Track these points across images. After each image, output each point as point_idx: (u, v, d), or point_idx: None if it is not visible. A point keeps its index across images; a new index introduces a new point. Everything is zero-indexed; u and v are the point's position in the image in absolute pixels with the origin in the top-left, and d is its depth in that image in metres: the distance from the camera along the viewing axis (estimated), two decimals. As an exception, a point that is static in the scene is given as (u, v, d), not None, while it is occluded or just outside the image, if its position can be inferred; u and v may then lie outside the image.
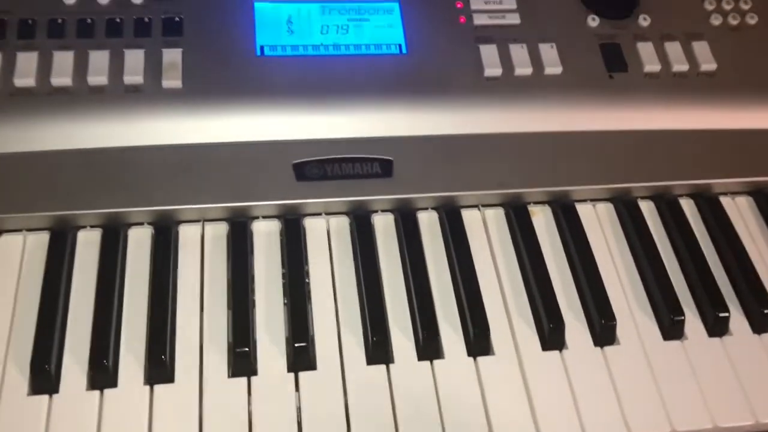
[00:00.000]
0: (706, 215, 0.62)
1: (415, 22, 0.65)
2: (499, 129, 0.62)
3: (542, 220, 0.60)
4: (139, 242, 0.55)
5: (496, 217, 0.60)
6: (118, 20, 0.60)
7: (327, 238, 0.58)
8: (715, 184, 0.63)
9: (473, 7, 0.66)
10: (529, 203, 0.61)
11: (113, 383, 0.49)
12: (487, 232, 0.60)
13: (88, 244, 0.55)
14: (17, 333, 0.50)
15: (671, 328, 0.55)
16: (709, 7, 0.70)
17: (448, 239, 0.58)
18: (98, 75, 0.58)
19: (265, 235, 0.57)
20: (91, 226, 0.55)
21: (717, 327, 0.56)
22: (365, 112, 0.61)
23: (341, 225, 0.58)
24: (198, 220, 0.57)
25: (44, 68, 0.58)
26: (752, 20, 0.69)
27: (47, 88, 0.57)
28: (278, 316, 0.53)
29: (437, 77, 0.63)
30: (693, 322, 0.56)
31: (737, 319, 0.56)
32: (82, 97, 0.57)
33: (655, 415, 0.51)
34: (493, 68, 0.63)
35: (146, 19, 0.61)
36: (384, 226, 0.59)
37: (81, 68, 0.58)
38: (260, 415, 0.48)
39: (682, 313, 0.55)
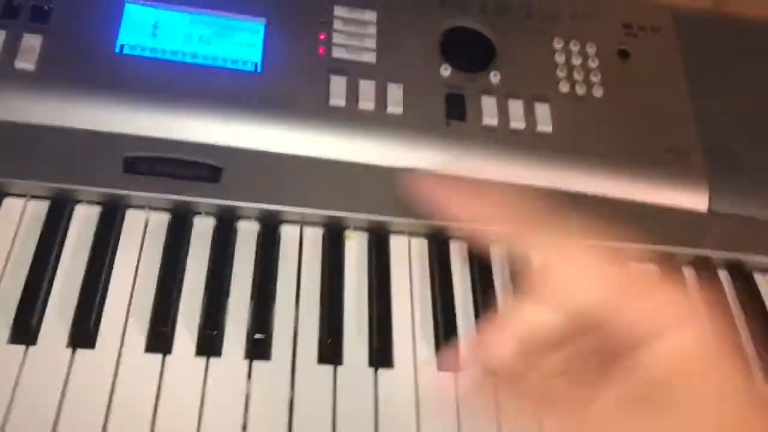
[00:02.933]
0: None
1: (276, 45, 0.69)
2: (333, 156, 0.66)
3: (354, 246, 0.64)
4: (-40, 208, 0.59)
5: (314, 235, 0.64)
6: (-12, 0, 0.64)
7: (143, 232, 0.61)
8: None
9: (335, 40, 0.71)
10: (348, 228, 0.65)
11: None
12: (301, 247, 0.63)
13: None
14: None
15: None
16: (561, 74, 0.74)
17: (261, 251, 0.62)
18: (-47, 47, 0.62)
19: (84, 219, 0.60)
20: None
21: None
22: (207, 120, 0.65)
23: (161, 221, 0.62)
24: (24, 195, 0.60)
25: None
26: (598, 93, 0.74)
27: None
28: (71, 294, 0.56)
29: (284, 98, 0.67)
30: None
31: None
32: (-66, 66, 0.61)
33: None
34: (338, 98, 0.67)
35: (15, 3, 0.65)
36: (203, 228, 0.62)
37: (-61, 38, 0.62)
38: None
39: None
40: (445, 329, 0.60)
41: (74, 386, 0.52)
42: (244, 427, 0.52)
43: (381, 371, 0.57)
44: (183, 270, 0.59)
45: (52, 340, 0.54)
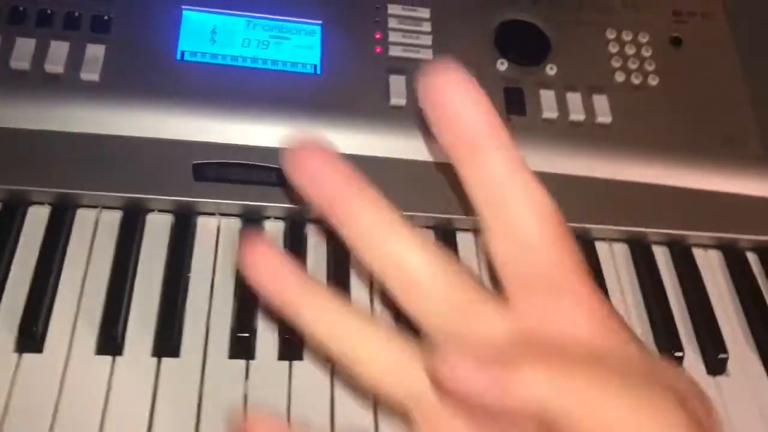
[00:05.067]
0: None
1: (333, 46, 0.69)
2: (396, 154, 0.66)
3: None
4: (36, 220, 0.59)
5: (382, 236, 0.64)
6: (49, 12, 0.64)
7: (216, 237, 0.61)
8: (594, 229, 0.67)
9: (391, 39, 0.70)
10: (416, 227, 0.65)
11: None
12: (370, 249, 0.64)
13: (-14, 217, 0.59)
14: None
15: None
16: (616, 64, 0.74)
17: (330, 252, 0.62)
18: (21, 60, 0.62)
19: (157, 227, 0.61)
20: (-7, 201, 0.59)
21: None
22: (272, 124, 0.65)
23: (233, 226, 0.62)
24: (96, 206, 0.61)
25: (-29, 49, 0.62)
26: (654, 81, 0.74)
27: (-30, 68, 0.61)
28: (153, 304, 0.57)
29: (346, 99, 0.67)
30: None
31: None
32: (3, 80, 0.61)
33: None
34: (399, 97, 0.67)
35: (76, 14, 0.65)
36: (274, 232, 0.63)
37: (6, 53, 0.62)
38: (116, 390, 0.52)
39: None
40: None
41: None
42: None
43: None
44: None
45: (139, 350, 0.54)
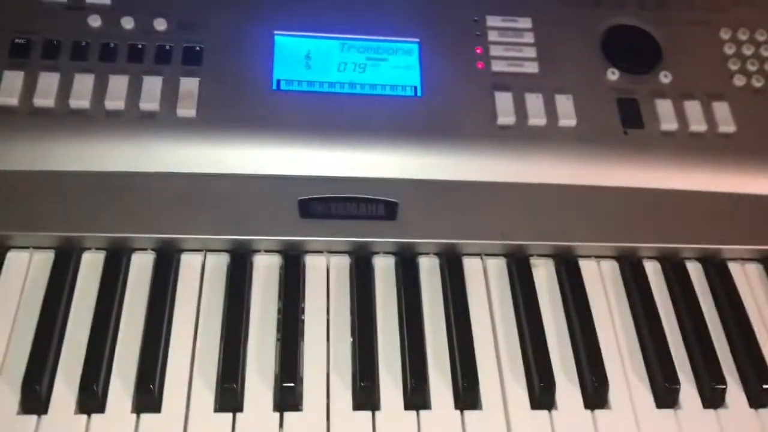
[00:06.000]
0: (713, 281, 0.61)
1: (432, 65, 0.65)
2: (508, 178, 0.62)
3: (544, 274, 0.60)
4: (141, 268, 0.56)
5: (498, 267, 0.60)
6: (140, 46, 0.62)
7: (326, 277, 0.58)
8: (724, 250, 0.62)
9: (492, 53, 0.66)
10: (532, 255, 0.61)
11: (102, 409, 0.50)
12: (487, 282, 0.59)
13: (91, 267, 0.56)
14: (15, 347, 0.52)
15: (665, 395, 0.54)
16: (733, 67, 0.69)
17: (446, 287, 0.58)
18: (116, 99, 0.59)
19: (265, 269, 0.58)
20: (96, 249, 0.57)
21: (713, 398, 0.54)
22: (375, 153, 0.61)
23: (342, 264, 0.59)
24: (200, 250, 0.58)
25: (64, 89, 0.59)
26: (777, 83, 0.68)
27: (65, 110, 0.59)
28: (270, 352, 0.53)
29: (450, 122, 0.63)
30: (689, 390, 0.55)
31: (735, 392, 0.55)
32: (98, 121, 0.59)
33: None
34: (506, 116, 0.63)
35: (167, 47, 0.62)
36: (384, 268, 0.59)
37: (100, 92, 0.59)
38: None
39: (678, 382, 0.54)
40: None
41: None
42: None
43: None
44: (375, 314, 0.56)
45: (258, 401, 0.51)
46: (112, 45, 0.61)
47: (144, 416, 0.50)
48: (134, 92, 0.60)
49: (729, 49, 0.69)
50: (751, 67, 0.69)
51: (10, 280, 0.55)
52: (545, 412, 0.53)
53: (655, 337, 0.56)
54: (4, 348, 0.51)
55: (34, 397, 0.49)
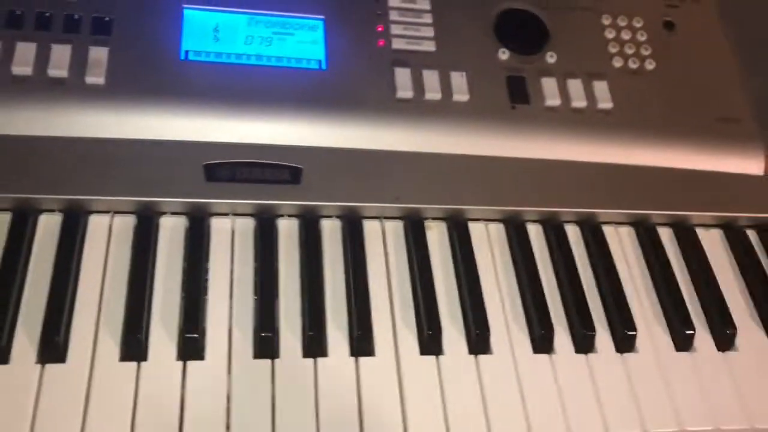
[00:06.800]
0: (589, 241, 0.67)
1: (336, 41, 0.69)
2: (405, 147, 0.66)
3: (436, 236, 0.65)
4: (48, 229, 0.58)
5: (395, 229, 0.65)
6: (48, 15, 0.63)
7: (231, 239, 0.61)
8: (600, 213, 0.69)
9: (393, 31, 0.70)
10: (427, 219, 0.65)
11: (6, 360, 0.52)
12: (384, 242, 0.64)
13: (-2, 227, 0.57)
14: None
15: (541, 342, 0.60)
16: (613, 50, 0.75)
17: (347, 248, 0.62)
18: (23, 66, 0.60)
19: (171, 230, 0.60)
20: (2, 209, 0.58)
21: (584, 344, 0.61)
22: (280, 121, 0.65)
23: (247, 227, 0.62)
24: (108, 212, 0.60)
25: (-30, 55, 0.60)
26: (650, 66, 0.75)
27: (-30, 75, 0.60)
28: (175, 307, 0.56)
29: (352, 94, 0.67)
30: (563, 338, 0.61)
31: (604, 339, 0.62)
32: (4, 86, 0.60)
33: (517, 421, 0.56)
34: (405, 90, 0.68)
35: (76, 16, 0.63)
36: (288, 230, 0.63)
37: (6, 58, 0.60)
38: (145, 399, 0.52)
39: (553, 330, 0.60)
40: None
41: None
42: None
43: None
44: (277, 273, 0.59)
45: (162, 352, 0.54)
46: (18, 13, 0.62)
47: (49, 366, 0.52)
48: (42, 60, 0.61)
49: (609, 34, 0.76)
50: (629, 51, 0.76)
51: None
52: (433, 357, 0.58)
53: (533, 291, 0.62)
54: None
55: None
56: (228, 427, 0.52)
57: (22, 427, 0.49)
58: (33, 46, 0.61)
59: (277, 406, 0.53)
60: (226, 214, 0.62)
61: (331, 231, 0.63)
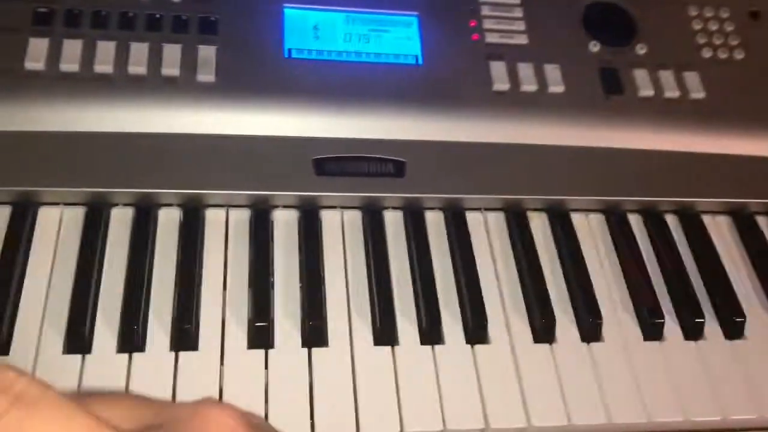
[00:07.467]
0: (688, 231, 0.68)
1: (431, 36, 0.70)
2: (504, 139, 0.67)
3: (539, 226, 0.66)
4: (168, 222, 0.60)
5: (497, 220, 0.66)
6: (157, 16, 0.65)
7: (341, 230, 0.62)
8: (698, 202, 0.69)
9: (485, 26, 0.71)
10: (528, 209, 0.66)
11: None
12: (488, 233, 0.65)
13: (121, 222, 0.59)
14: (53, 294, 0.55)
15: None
16: (701, 40, 0.75)
17: (452, 238, 0.63)
18: (137, 65, 0.62)
19: (284, 223, 0.62)
20: (125, 204, 0.60)
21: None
22: (382, 116, 0.66)
23: (354, 219, 0.63)
24: (223, 206, 0.61)
25: (88, 56, 0.62)
26: (739, 55, 0.75)
27: (90, 75, 0.61)
28: (295, 298, 0.58)
29: (449, 88, 0.68)
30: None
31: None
32: (120, 85, 0.62)
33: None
34: (501, 83, 0.68)
35: (184, 17, 0.65)
36: (394, 222, 0.64)
37: (122, 59, 0.62)
38: (275, 384, 0.53)
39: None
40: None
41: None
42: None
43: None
44: (388, 263, 0.60)
45: (287, 340, 0.55)
46: (131, 14, 0.64)
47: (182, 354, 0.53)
48: (155, 59, 0.63)
49: (697, 25, 0.76)
50: (717, 41, 0.76)
51: (45, 234, 0.58)
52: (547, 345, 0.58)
53: (639, 279, 0.62)
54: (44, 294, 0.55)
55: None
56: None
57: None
58: (146, 47, 0.63)
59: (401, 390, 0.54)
60: (334, 207, 0.63)
61: (435, 222, 0.64)
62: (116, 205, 0.60)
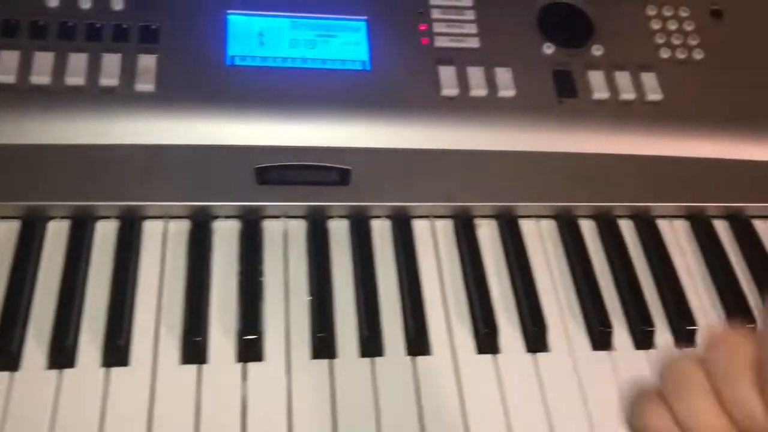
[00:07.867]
0: (643, 236, 0.66)
1: (380, 41, 0.69)
2: (452, 146, 0.66)
3: (487, 233, 0.64)
4: (105, 235, 0.59)
5: (445, 228, 0.64)
6: (98, 25, 0.64)
7: (284, 240, 0.61)
8: (653, 207, 0.67)
9: (436, 30, 0.70)
10: (476, 217, 0.65)
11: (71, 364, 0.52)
12: (435, 241, 0.63)
13: (57, 235, 0.58)
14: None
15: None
16: (659, 40, 0.74)
17: (398, 247, 0.62)
18: (76, 76, 0.61)
19: (225, 234, 0.61)
20: (61, 218, 0.59)
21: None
22: (327, 123, 0.65)
23: (298, 228, 0.62)
24: (162, 217, 0.60)
25: (24, 67, 0.61)
26: (699, 56, 0.74)
27: (26, 86, 0.61)
28: (232, 310, 0.56)
29: (397, 94, 0.67)
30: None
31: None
32: (59, 96, 0.61)
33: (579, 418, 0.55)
34: (450, 88, 0.67)
35: (124, 26, 0.64)
36: (338, 231, 0.63)
37: (60, 69, 0.61)
38: (206, 402, 0.52)
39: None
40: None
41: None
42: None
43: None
44: (330, 274, 0.59)
45: (221, 355, 0.54)
46: (70, 24, 0.63)
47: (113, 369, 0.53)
48: (94, 69, 0.62)
49: (655, 25, 0.75)
50: (676, 41, 0.74)
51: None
52: (489, 356, 0.57)
53: (589, 287, 0.61)
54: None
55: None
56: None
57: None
58: (84, 57, 0.62)
59: (338, 404, 0.53)
60: (277, 217, 0.62)
61: (380, 231, 0.63)
62: (52, 218, 0.59)
